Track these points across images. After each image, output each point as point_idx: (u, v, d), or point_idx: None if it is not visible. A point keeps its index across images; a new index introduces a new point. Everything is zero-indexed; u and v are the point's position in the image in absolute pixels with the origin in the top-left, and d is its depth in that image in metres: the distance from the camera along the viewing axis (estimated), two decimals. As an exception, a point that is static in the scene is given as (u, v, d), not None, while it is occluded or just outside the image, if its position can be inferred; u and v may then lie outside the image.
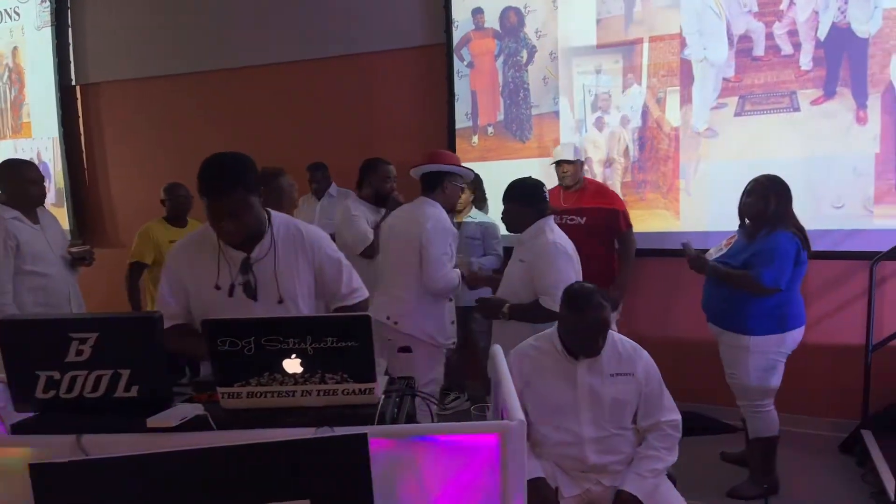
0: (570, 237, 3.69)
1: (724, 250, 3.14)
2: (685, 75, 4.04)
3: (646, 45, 4.13)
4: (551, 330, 2.23)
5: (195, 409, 1.30)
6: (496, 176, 4.38)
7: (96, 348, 1.30)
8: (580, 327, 2.09)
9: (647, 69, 4.14)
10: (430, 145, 4.80)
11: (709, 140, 4.02)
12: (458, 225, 4.11)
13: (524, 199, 2.82)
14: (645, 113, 4.16)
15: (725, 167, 3.95)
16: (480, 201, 4.31)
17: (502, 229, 3.95)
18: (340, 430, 1.26)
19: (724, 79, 3.96)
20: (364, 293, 2.01)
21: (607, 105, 4.25)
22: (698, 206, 4.02)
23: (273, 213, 1.92)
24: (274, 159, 5.39)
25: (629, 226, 3.87)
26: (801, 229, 2.93)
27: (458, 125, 4.66)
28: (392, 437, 1.25)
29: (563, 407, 2.12)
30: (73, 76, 6.19)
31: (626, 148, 4.22)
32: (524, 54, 4.43)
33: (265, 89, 5.32)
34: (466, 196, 4.12)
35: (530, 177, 2.99)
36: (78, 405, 1.34)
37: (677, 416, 2.18)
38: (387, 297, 2.93)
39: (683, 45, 4.04)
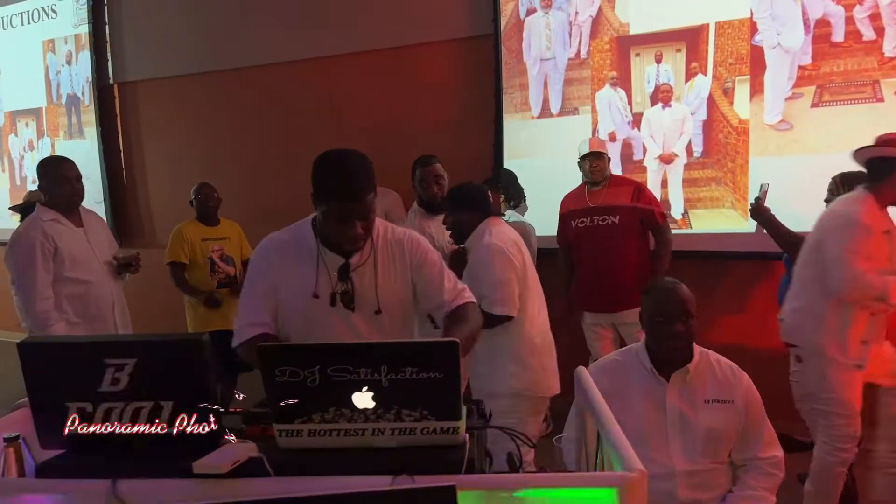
0: (603, 237, 3.49)
1: None
2: (756, 63, 3.73)
3: (712, 31, 3.83)
4: (638, 344, 1.98)
5: (248, 451, 1.10)
6: (540, 171, 4.15)
7: (134, 376, 1.11)
8: (657, 306, 1.87)
9: (713, 57, 3.85)
10: (475, 139, 4.59)
11: (783, 133, 3.70)
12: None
13: (467, 204, 2.66)
14: (710, 104, 3.86)
15: (801, 163, 3.63)
16: (516, 200, 4.05)
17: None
18: (422, 480, 1.04)
19: (800, 66, 3.64)
20: (471, 296, 1.80)
21: (668, 97, 3.97)
22: (770, 205, 3.70)
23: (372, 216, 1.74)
24: (312, 157, 5.24)
25: (665, 219, 3.62)
26: None
27: (506, 117, 4.42)
28: (485, 488, 1.03)
29: (649, 433, 1.85)
30: (110, 75, 6.13)
31: (689, 142, 3.93)
32: (577, 43, 4.17)
33: (304, 85, 5.16)
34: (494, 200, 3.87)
35: (470, 181, 2.85)
36: (113, 442, 1.15)
37: (779, 453, 1.91)
38: None
39: (754, 30, 3.72)
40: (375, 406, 1.09)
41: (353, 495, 1.02)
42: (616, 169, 4.08)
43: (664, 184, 3.98)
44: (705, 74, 3.87)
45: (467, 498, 1.01)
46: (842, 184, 2.92)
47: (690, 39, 3.88)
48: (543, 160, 4.26)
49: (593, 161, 3.48)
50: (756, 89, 3.74)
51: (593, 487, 1.01)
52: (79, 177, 2.97)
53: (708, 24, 3.83)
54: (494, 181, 3.87)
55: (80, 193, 2.95)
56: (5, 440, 1.30)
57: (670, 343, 1.88)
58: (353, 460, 1.12)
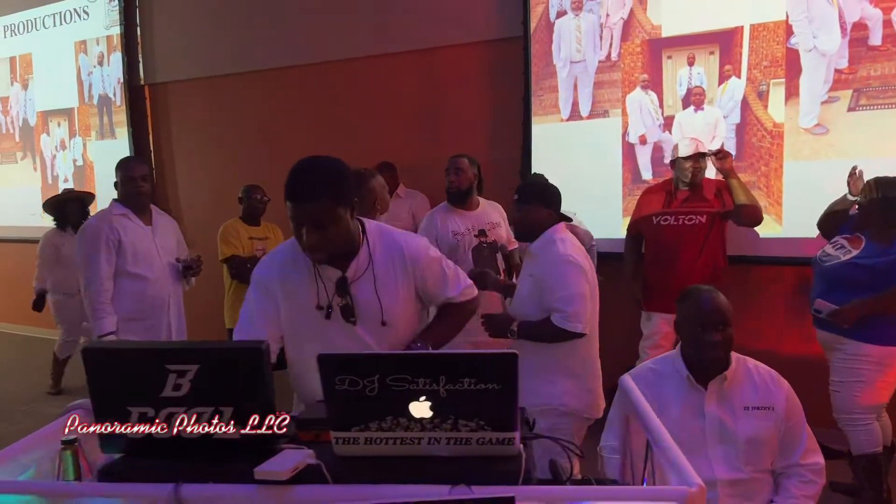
0: (685, 239, 3.44)
1: (853, 251, 2.87)
2: (791, 66, 3.68)
3: (746, 34, 3.78)
4: (673, 352, 1.96)
5: (306, 457, 1.11)
6: (570, 174, 4.13)
7: (196, 382, 1.13)
8: (697, 314, 1.85)
9: (747, 59, 3.80)
10: (503, 142, 4.58)
11: (818, 137, 3.64)
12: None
13: (543, 200, 2.46)
14: (744, 107, 3.81)
15: (837, 167, 3.56)
16: None
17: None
18: (479, 490, 1.04)
19: (836, 70, 3.58)
20: (474, 290, 1.81)
21: (701, 99, 3.93)
22: (806, 211, 3.64)
23: (367, 223, 1.72)
24: (349, 155, 5.27)
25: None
26: None
27: (535, 120, 4.40)
28: (544, 500, 1.04)
29: (688, 442, 1.83)
30: (141, 76, 6.22)
31: (722, 146, 3.88)
32: (608, 45, 4.14)
33: (334, 87, 5.19)
34: None
35: (544, 175, 2.75)
36: (172, 447, 1.17)
37: (820, 460, 1.88)
38: None
39: (790, 33, 3.67)
40: (432, 416, 1.10)
41: (413, 504, 1.03)
42: (646, 172, 4.07)
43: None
44: (739, 77, 3.82)
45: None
46: (876, 188, 2.88)
47: (724, 42, 3.83)
48: (573, 163, 4.24)
49: (696, 162, 3.43)
50: (791, 92, 3.69)
51: (653, 501, 1.01)
52: (144, 175, 3.08)
53: (742, 27, 3.79)
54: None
55: (143, 192, 3.04)
56: (63, 443, 1.34)
57: (709, 352, 1.87)
58: (408, 469, 1.12)
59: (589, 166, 4.19)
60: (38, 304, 5.04)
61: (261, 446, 1.16)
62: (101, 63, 6.47)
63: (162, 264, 3.09)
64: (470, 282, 1.87)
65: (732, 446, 1.84)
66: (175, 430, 1.16)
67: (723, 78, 3.86)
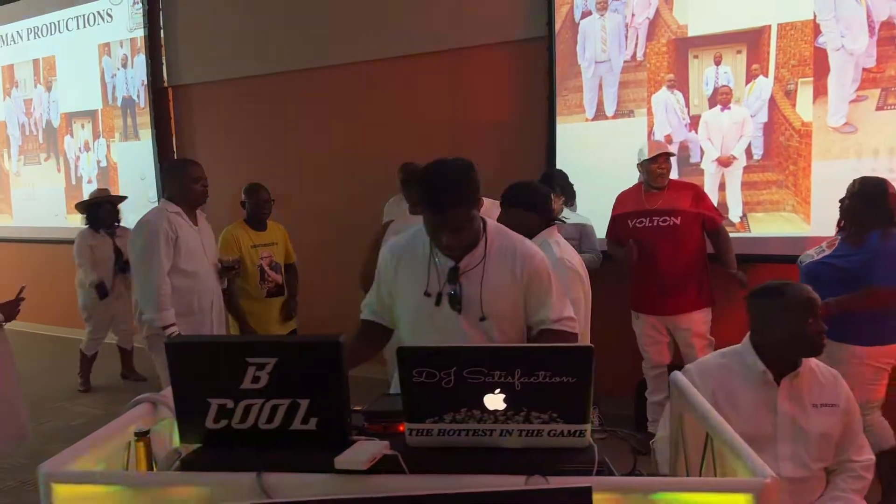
0: (664, 238, 3.48)
1: (827, 251, 2.97)
2: (819, 65, 3.67)
3: (774, 33, 3.79)
4: (741, 347, 1.94)
5: (382, 448, 1.15)
6: (595, 173, 4.15)
7: (274, 375, 1.16)
8: (799, 306, 1.81)
9: (774, 59, 3.80)
10: (528, 142, 4.61)
11: (847, 136, 3.64)
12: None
13: (531, 203, 2.42)
14: (772, 106, 3.82)
15: (866, 166, 3.57)
16: (571, 199, 4.06)
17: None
18: (555, 482, 1.07)
19: (864, 69, 3.58)
20: (574, 326, 1.81)
21: (727, 99, 3.94)
22: (834, 210, 3.62)
23: (489, 221, 1.78)
24: (363, 159, 5.30)
25: (722, 218, 3.66)
26: None
27: (560, 120, 4.42)
28: (620, 491, 1.06)
29: (758, 439, 1.73)
30: (165, 78, 6.28)
31: (749, 145, 3.89)
32: (633, 45, 4.16)
33: (355, 87, 5.22)
34: (557, 204, 3.87)
35: (534, 181, 2.70)
36: (250, 437, 1.20)
37: (871, 456, 1.88)
38: None
39: (818, 32, 3.67)
40: (506, 408, 1.13)
41: (492, 493, 1.06)
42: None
43: (722, 187, 3.95)
44: (767, 76, 3.82)
45: (601, 500, 1.04)
46: (857, 187, 2.93)
47: (751, 41, 3.84)
48: (598, 163, 4.26)
49: (663, 163, 3.46)
50: (819, 91, 3.69)
51: (729, 492, 1.03)
52: (205, 177, 3.21)
53: (770, 26, 3.79)
54: (549, 181, 3.87)
55: (207, 194, 3.20)
56: (136, 435, 1.38)
57: (817, 341, 1.84)
58: (479, 460, 1.15)
59: (614, 166, 4.20)
60: (102, 290, 5.04)
61: (336, 437, 1.19)
62: (124, 65, 6.54)
63: (207, 263, 3.19)
64: (574, 316, 1.85)
65: (802, 443, 1.83)
66: (253, 421, 1.19)
67: (750, 77, 3.87)
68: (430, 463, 1.15)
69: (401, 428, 1.28)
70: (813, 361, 1.91)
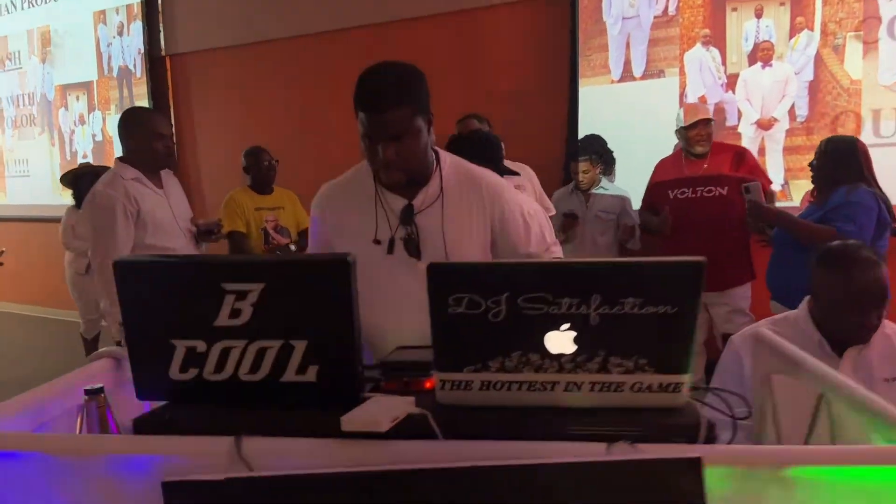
0: (710, 210, 3.17)
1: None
2: (870, 18, 3.35)
3: (821, -17, 3.46)
4: (798, 314, 1.66)
5: (405, 405, 0.85)
6: (621, 140, 3.83)
7: (260, 307, 0.86)
8: (849, 294, 1.54)
9: (821, 11, 3.47)
10: (548, 107, 4.29)
11: (902, 94, 3.33)
12: (588, 199, 3.58)
13: (481, 153, 2.13)
14: (817, 63, 3.49)
15: (923, 126, 3.26)
16: (609, 167, 3.74)
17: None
18: (648, 451, 0.77)
19: (923, 20, 3.27)
20: (559, 251, 1.56)
21: (769, 55, 3.61)
22: (884, 172, 3.32)
23: (442, 153, 1.49)
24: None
25: (770, 183, 3.35)
26: (884, 195, 2.71)
27: (583, 82, 4.10)
28: (740, 464, 0.76)
29: None
30: (162, 46, 5.99)
31: (792, 106, 3.57)
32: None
33: (363, 53, 4.91)
34: (592, 174, 3.56)
35: (482, 130, 2.47)
36: (227, 391, 0.91)
37: None
38: None
39: (870, -19, 3.35)
40: (576, 351, 0.82)
41: (563, 466, 0.76)
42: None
43: (762, 152, 3.62)
44: (812, 30, 3.50)
45: (714, 476, 0.74)
46: (825, 145, 2.78)
47: (796, -9, 3.51)
48: (624, 127, 3.94)
49: (702, 129, 3.13)
50: (870, 46, 3.36)
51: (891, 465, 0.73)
52: (172, 134, 2.69)
53: (817, -25, 3.46)
54: (589, 150, 3.55)
55: (173, 152, 2.66)
56: (86, 392, 1.08)
57: (859, 334, 1.58)
58: (536, 422, 0.85)
59: (642, 130, 3.87)
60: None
61: (343, 392, 0.89)
62: (120, 33, 6.24)
63: (181, 232, 2.70)
64: (557, 242, 1.64)
65: None
66: (232, 370, 0.90)
67: (794, 31, 3.54)
68: (467, 426, 0.85)
69: (427, 384, 0.98)
70: (890, 328, 1.61)
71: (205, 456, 0.82)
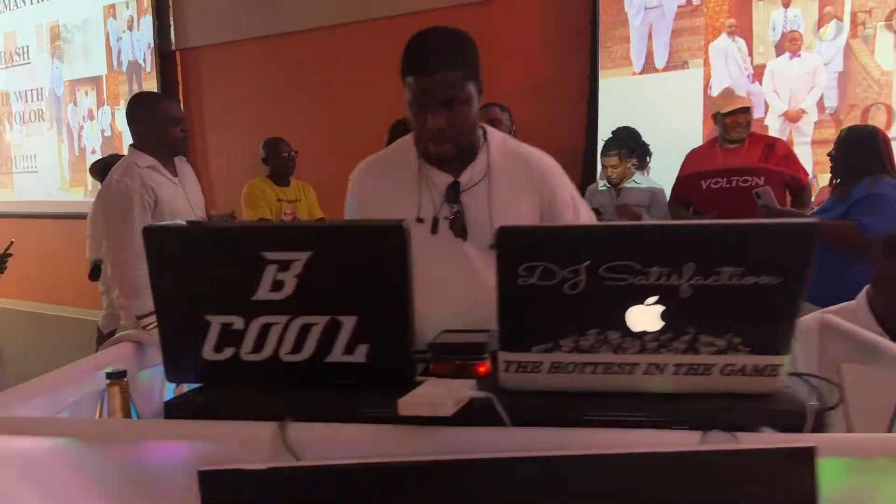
0: (741, 203, 3.06)
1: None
2: (904, 5, 3.26)
3: (852, -30, 3.37)
4: (855, 303, 1.57)
5: (467, 389, 0.76)
6: (643, 134, 3.74)
7: (305, 279, 0.77)
8: None
9: (850, 1, 3.37)
10: (567, 100, 4.20)
11: (937, 85, 3.23)
12: (619, 193, 3.47)
13: None
14: (847, 54, 3.39)
15: (958, 118, 3.16)
16: (643, 160, 3.64)
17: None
18: (747, 440, 0.68)
19: (958, 9, 3.17)
20: None
21: (797, 45, 3.51)
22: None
23: (489, 129, 1.41)
24: (383, 119, 4.93)
25: (808, 177, 3.25)
26: None
27: (603, 74, 4.00)
28: (863, 455, 0.67)
29: None
30: (172, 41, 5.93)
31: (821, 97, 3.47)
32: (690, -12, 3.74)
33: (375, 45, 4.83)
34: (622, 168, 3.45)
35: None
36: (267, 374, 0.82)
37: None
38: None
39: (903, -33, 3.25)
40: (663, 328, 0.73)
41: (655, 456, 0.67)
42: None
43: (789, 144, 3.53)
44: (841, 20, 3.40)
45: (830, 468, 0.65)
46: (845, 135, 2.71)
47: (826, -21, 3.42)
48: (646, 120, 3.83)
49: (740, 116, 3.02)
50: (903, 35, 3.27)
51: None
52: (185, 118, 2.58)
53: (847, -38, 3.37)
54: (621, 144, 3.44)
55: (187, 139, 2.56)
56: (108, 376, 1.00)
57: None
58: (611, 408, 0.76)
59: (664, 124, 3.78)
60: (94, 274, 4.64)
61: (395, 373, 0.80)
62: (130, 28, 6.18)
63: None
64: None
65: None
66: (272, 350, 0.81)
67: (822, 21, 3.45)
68: (535, 412, 0.76)
69: (481, 369, 0.89)
70: None
71: (246, 443, 0.73)
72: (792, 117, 3.53)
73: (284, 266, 0.77)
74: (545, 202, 1.37)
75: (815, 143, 3.49)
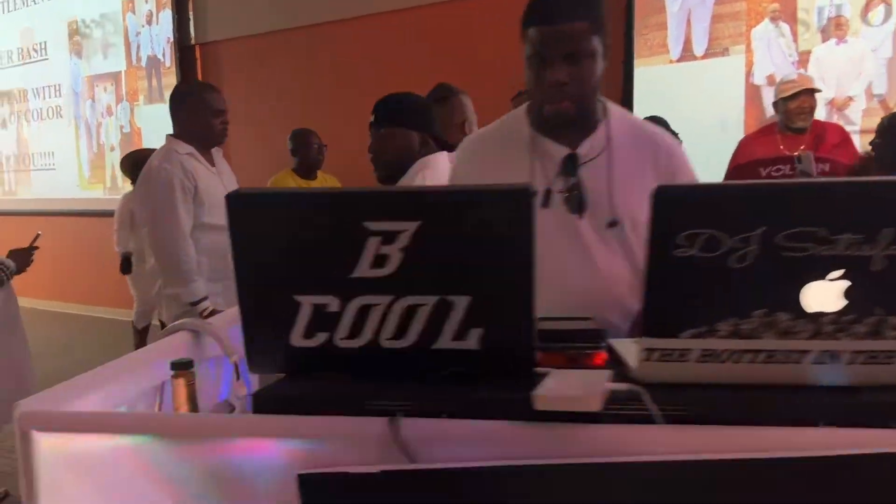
0: None
1: None
2: (960, -14, 3.12)
3: (904, -50, 3.23)
4: None
5: (604, 380, 0.65)
6: (679, 124, 3.61)
7: (413, 253, 0.67)
8: None
9: (903, -18, 3.24)
10: (601, 88, 4.06)
11: None
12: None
13: (411, 120, 1.83)
14: (897, 39, 3.26)
15: None
16: None
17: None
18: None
19: None
20: None
21: (843, 31, 3.38)
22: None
23: (609, 102, 1.31)
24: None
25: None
26: None
27: (638, 63, 3.88)
28: None
29: None
30: (192, 35, 5.86)
31: (869, 84, 3.33)
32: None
33: (401, 38, 4.75)
34: None
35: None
36: (366, 363, 0.71)
37: None
38: None
39: (959, -55, 3.11)
40: (845, 308, 0.62)
41: (850, 458, 0.55)
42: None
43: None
44: (889, 3, 3.26)
45: None
46: (889, 123, 2.53)
47: (876, -40, 3.28)
48: (684, 110, 3.71)
49: (804, 99, 2.89)
50: (958, 18, 3.13)
51: None
52: (227, 110, 2.51)
53: (899, -58, 3.23)
54: None
55: (226, 130, 2.49)
56: (172, 367, 0.89)
57: None
58: (774, 403, 0.65)
59: (704, 113, 3.65)
60: (125, 266, 4.55)
61: (514, 364, 0.69)
62: (149, 22, 6.12)
63: None
64: None
65: None
66: (371, 335, 0.70)
67: (870, 5, 3.30)
68: (683, 405, 0.65)
69: (597, 359, 0.78)
70: None
71: (352, 442, 0.62)
72: (839, 105, 3.39)
73: (389, 238, 0.67)
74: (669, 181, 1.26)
75: (863, 132, 3.34)
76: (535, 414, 0.62)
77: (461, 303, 0.68)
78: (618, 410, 0.61)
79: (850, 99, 3.37)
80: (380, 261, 0.68)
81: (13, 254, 2.54)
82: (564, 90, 1.14)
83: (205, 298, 2.33)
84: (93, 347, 4.89)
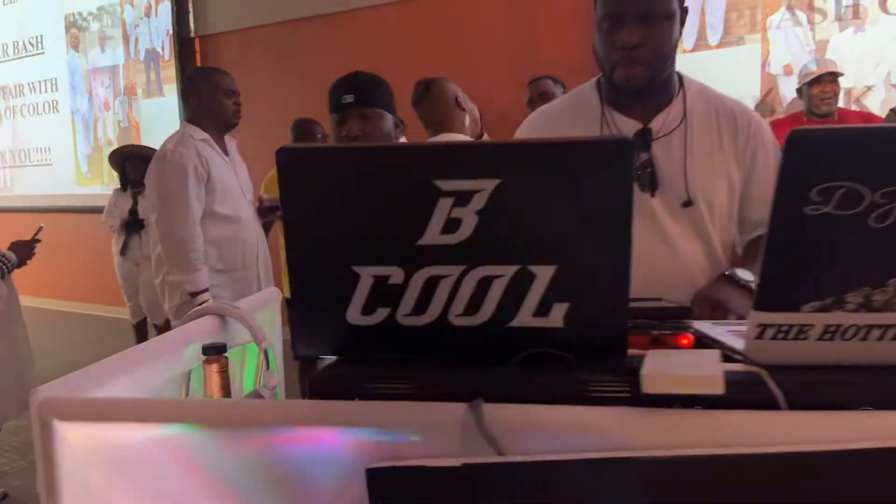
0: None
1: None
2: (985, -28, 3.05)
3: (926, -65, 3.16)
4: None
5: (716, 361, 0.57)
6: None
7: (490, 216, 0.58)
8: None
9: (925, -33, 3.18)
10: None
11: None
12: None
13: (390, 102, 1.73)
14: (919, 26, 3.19)
15: None
16: None
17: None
18: None
19: None
20: None
21: (862, 19, 3.31)
22: None
23: (686, 77, 1.25)
24: (406, 106, 4.78)
25: None
26: None
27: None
28: None
29: None
30: (191, 27, 5.76)
31: (888, 73, 3.27)
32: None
33: (408, 28, 4.67)
34: None
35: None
36: (433, 342, 0.63)
37: None
38: None
39: (985, -70, 3.05)
40: None
41: None
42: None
43: (866, 120, 3.33)
44: (913, -11, 3.20)
45: None
46: None
47: (899, -55, 3.21)
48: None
49: (827, 85, 2.83)
50: (981, 6, 3.06)
51: None
52: (238, 92, 2.46)
53: (922, -74, 3.16)
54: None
55: (239, 112, 2.45)
56: (204, 351, 0.81)
57: None
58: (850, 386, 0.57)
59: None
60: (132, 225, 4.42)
61: (604, 344, 0.61)
62: (148, 14, 6.02)
63: (247, 204, 2.48)
64: None
65: None
66: (439, 311, 0.62)
67: (892, -9, 3.24)
68: (801, 392, 0.57)
69: (684, 340, 0.70)
70: None
71: (427, 431, 0.54)
72: (857, 96, 3.32)
73: (463, 199, 0.58)
74: (748, 162, 1.19)
75: (884, 122, 3.28)
76: (641, 399, 0.54)
77: (545, 274, 0.60)
78: (742, 394, 0.53)
79: (869, 88, 3.30)
80: (451, 225, 0.59)
81: (15, 246, 2.47)
82: (636, 54, 1.08)
83: (205, 290, 2.23)
84: (90, 346, 4.79)
